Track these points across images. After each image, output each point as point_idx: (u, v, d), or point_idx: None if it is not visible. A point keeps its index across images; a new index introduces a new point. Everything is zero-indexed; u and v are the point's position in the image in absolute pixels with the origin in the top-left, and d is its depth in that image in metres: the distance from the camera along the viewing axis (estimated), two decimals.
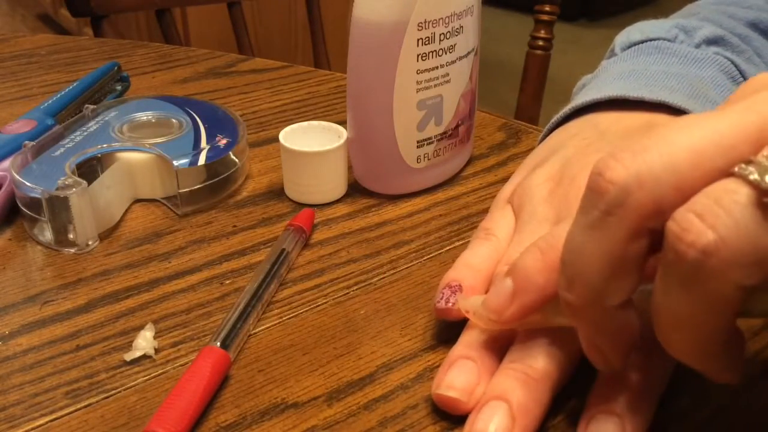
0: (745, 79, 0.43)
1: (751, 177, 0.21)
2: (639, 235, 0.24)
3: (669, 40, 0.44)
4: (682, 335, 0.24)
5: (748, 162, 0.22)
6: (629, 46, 0.45)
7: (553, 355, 0.30)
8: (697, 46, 0.44)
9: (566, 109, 0.42)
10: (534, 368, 0.29)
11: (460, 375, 0.30)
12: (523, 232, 0.36)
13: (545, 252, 0.29)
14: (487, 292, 0.32)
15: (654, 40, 0.44)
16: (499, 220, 0.38)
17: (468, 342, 0.32)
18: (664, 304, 0.24)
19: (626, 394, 0.28)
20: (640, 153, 0.23)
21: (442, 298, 0.34)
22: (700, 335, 0.24)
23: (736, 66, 0.43)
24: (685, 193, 0.23)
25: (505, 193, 0.40)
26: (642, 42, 0.45)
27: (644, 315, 0.26)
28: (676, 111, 0.39)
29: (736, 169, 0.22)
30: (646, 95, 0.39)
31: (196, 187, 0.44)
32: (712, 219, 0.21)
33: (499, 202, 0.40)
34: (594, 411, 0.28)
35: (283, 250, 0.39)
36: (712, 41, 0.44)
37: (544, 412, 0.29)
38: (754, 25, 0.47)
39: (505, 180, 0.48)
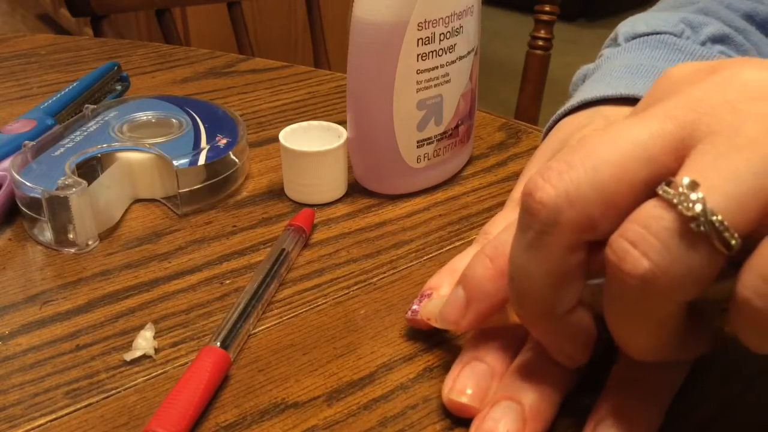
0: None
1: (674, 201, 0.22)
2: (576, 249, 0.25)
3: (675, 35, 0.44)
4: (638, 342, 0.25)
5: (669, 183, 0.23)
6: (634, 37, 0.45)
7: None
8: (703, 43, 0.44)
9: (574, 101, 0.42)
10: (547, 370, 0.29)
11: (471, 379, 0.30)
12: None
13: (493, 259, 0.29)
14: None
15: (660, 33, 0.44)
16: (502, 223, 0.37)
17: (478, 342, 0.31)
18: (615, 318, 0.25)
19: (636, 398, 0.28)
20: (566, 171, 0.24)
21: (412, 307, 0.34)
22: (655, 341, 0.25)
23: None
24: (613, 206, 0.24)
25: (516, 192, 0.40)
26: (647, 34, 0.45)
27: (597, 308, 0.26)
28: None
29: (660, 191, 0.23)
30: None
31: (196, 187, 0.44)
32: (644, 247, 0.22)
33: (511, 202, 0.40)
34: (603, 413, 0.27)
35: (283, 250, 0.39)
36: (717, 39, 0.44)
37: (555, 414, 0.29)
38: (750, 17, 0.47)
39: (505, 180, 0.49)
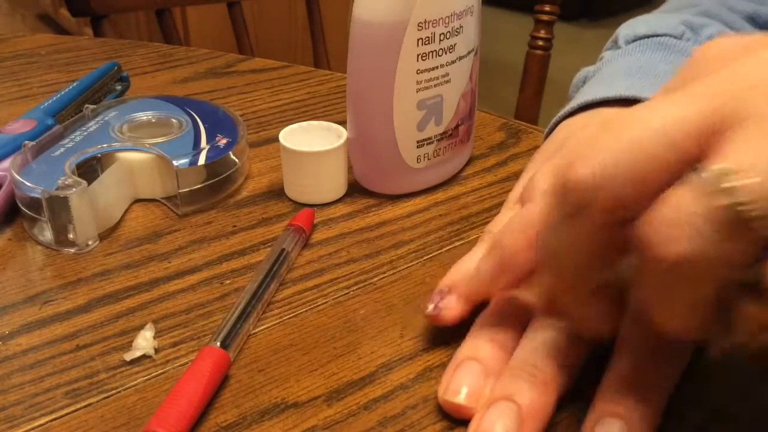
0: None
1: (706, 186, 0.22)
2: (607, 229, 0.25)
3: (676, 37, 0.44)
4: (669, 322, 0.25)
5: (702, 167, 0.22)
6: (634, 40, 0.45)
7: (561, 356, 0.30)
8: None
9: (574, 103, 0.42)
10: (543, 370, 0.29)
11: (466, 378, 0.30)
12: None
13: (523, 231, 0.30)
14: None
15: (660, 35, 0.44)
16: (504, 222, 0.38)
17: (474, 342, 0.32)
18: (647, 297, 0.25)
19: (633, 397, 0.28)
20: (597, 154, 0.24)
21: (431, 304, 0.34)
22: (686, 322, 0.25)
23: None
24: (642, 188, 0.24)
25: (514, 192, 0.40)
26: (648, 36, 0.45)
27: (623, 283, 0.27)
28: None
29: (693, 176, 0.22)
30: None
31: (196, 187, 0.44)
32: (677, 231, 0.22)
33: (509, 202, 0.40)
34: (600, 413, 0.28)
35: (283, 250, 0.39)
36: None
37: (551, 414, 0.29)
38: (752, 19, 0.47)
39: (505, 180, 0.49)
